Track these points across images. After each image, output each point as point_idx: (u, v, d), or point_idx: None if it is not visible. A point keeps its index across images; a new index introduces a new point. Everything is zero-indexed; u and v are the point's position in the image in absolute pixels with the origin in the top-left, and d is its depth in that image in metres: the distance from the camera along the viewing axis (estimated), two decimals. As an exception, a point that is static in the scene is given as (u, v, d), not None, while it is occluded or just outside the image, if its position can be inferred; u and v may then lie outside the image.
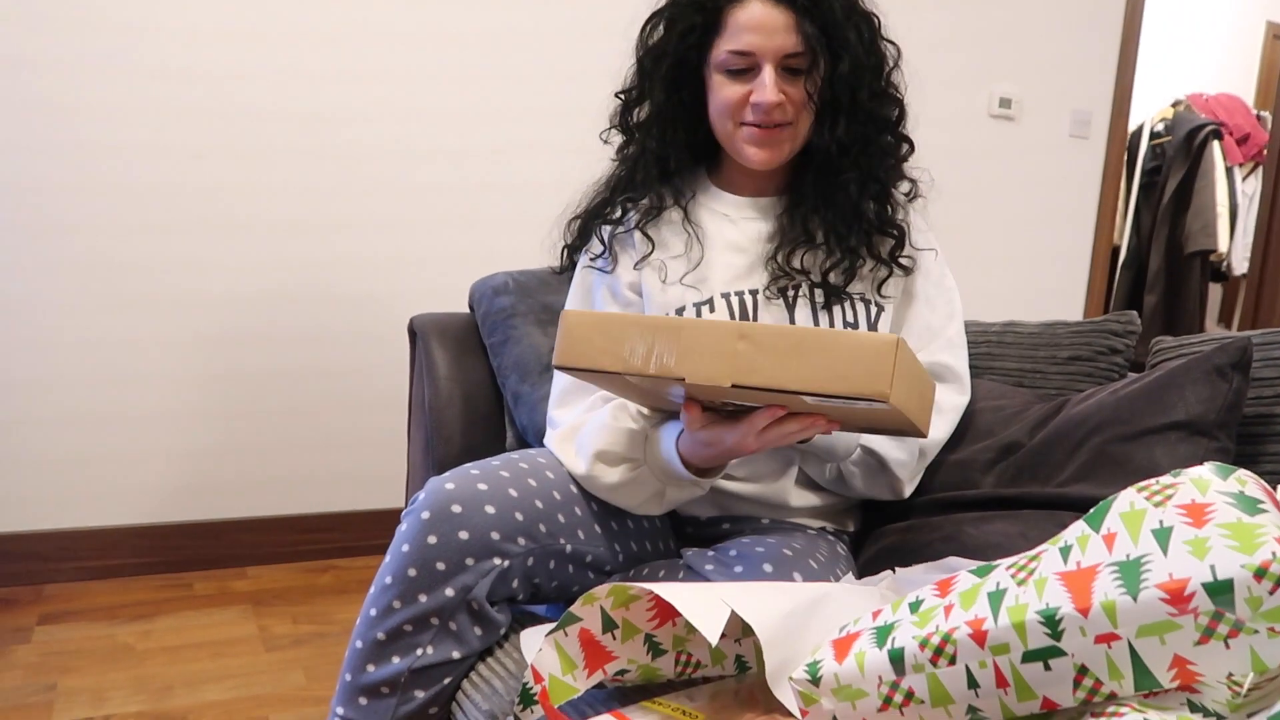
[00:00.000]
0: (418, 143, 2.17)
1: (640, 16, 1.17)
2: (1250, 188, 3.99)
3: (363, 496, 2.25)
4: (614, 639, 0.79)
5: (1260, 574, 0.47)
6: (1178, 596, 0.49)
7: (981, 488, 1.12)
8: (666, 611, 0.79)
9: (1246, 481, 0.54)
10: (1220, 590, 0.48)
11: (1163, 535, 0.52)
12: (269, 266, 2.09)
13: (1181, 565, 0.49)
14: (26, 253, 1.91)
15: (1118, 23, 2.93)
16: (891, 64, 1.14)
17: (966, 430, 1.18)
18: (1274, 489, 0.56)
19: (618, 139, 1.23)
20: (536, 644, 0.86)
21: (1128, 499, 0.56)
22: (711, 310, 1.10)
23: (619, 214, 1.19)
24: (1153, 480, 0.56)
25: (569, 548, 0.98)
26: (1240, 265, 3.86)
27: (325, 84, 2.08)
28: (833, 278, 1.11)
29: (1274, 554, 0.47)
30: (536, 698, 0.76)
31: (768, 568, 0.91)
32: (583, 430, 1.05)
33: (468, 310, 1.44)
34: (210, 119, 2.00)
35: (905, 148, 1.16)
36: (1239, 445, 0.99)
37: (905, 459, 1.08)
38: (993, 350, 1.34)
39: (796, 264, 1.11)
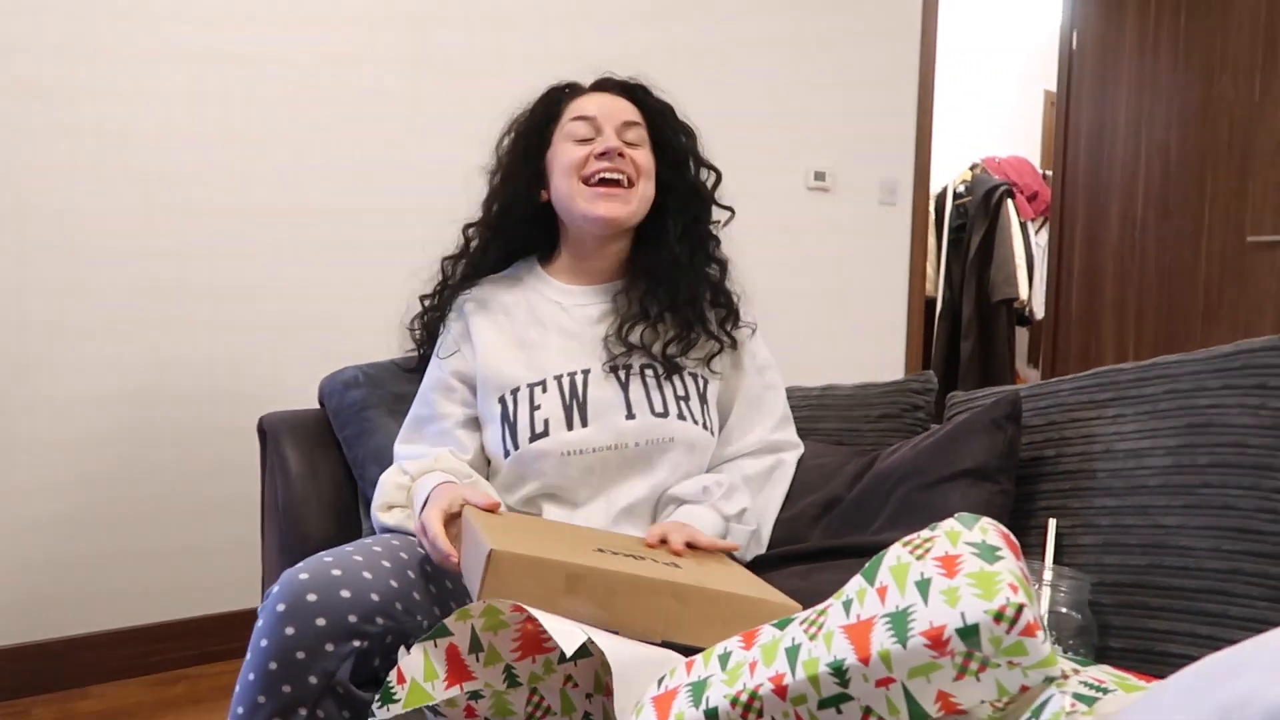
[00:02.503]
0: (256, 240, 2.16)
1: (499, 111, 1.31)
2: (1043, 240, 4.43)
3: (215, 600, 2.17)
4: (477, 660, 0.84)
5: (998, 617, 0.58)
6: (937, 641, 0.59)
7: (810, 540, 1.23)
8: (529, 646, 0.85)
9: (988, 530, 0.66)
10: (969, 634, 0.58)
11: (924, 586, 0.62)
12: (103, 369, 2.02)
13: (939, 614, 0.59)
14: None
15: (913, 98, 3.24)
16: (709, 170, 1.31)
17: (795, 489, 1.29)
18: (1011, 532, 0.68)
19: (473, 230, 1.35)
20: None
21: (895, 554, 0.66)
22: (544, 391, 1.19)
23: (458, 303, 1.29)
24: (914, 535, 0.67)
25: (426, 624, 1.01)
26: (1040, 310, 4.27)
27: (163, 180, 2.05)
28: (671, 349, 1.22)
29: (1008, 600, 0.58)
30: (395, 697, 0.80)
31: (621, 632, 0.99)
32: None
33: (317, 406, 1.46)
34: (45, 220, 1.94)
35: (716, 244, 1.31)
36: (1018, 486, 1.14)
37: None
38: (814, 412, 1.47)
39: (635, 340, 1.21)
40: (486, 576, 0.83)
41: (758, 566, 1.23)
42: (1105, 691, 0.74)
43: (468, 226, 1.34)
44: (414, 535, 1.10)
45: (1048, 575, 1.00)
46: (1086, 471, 1.10)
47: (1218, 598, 0.96)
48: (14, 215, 1.92)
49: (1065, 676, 0.78)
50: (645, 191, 1.24)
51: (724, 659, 0.70)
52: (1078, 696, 0.73)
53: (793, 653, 0.65)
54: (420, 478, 1.16)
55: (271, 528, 1.38)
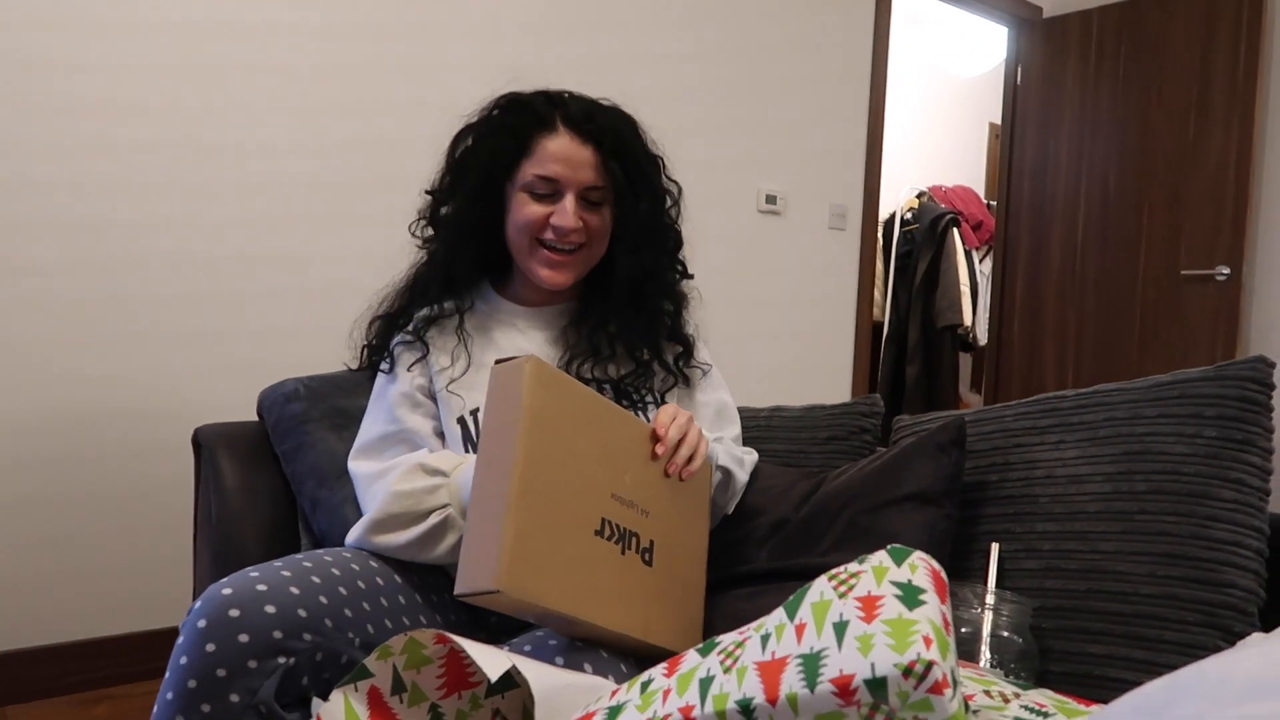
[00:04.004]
0: (200, 248, 2.11)
1: (442, 125, 1.26)
2: (987, 267, 4.53)
3: (141, 618, 2.10)
4: (400, 701, 0.82)
5: (907, 672, 0.57)
6: (844, 690, 0.58)
7: (757, 562, 1.22)
8: (455, 682, 0.83)
9: (917, 567, 0.66)
10: (877, 686, 0.58)
11: (840, 629, 0.62)
12: (27, 387, 1.95)
13: (850, 661, 0.59)
14: None
15: (864, 124, 3.30)
16: (673, 200, 1.28)
17: (741, 510, 1.29)
18: (949, 560, 0.68)
19: (425, 234, 1.30)
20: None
21: (819, 588, 0.66)
22: None
23: (411, 323, 1.25)
24: (842, 569, 0.67)
25: (358, 641, 0.98)
26: (984, 336, 4.36)
27: (93, 196, 1.99)
28: (628, 381, 1.21)
29: (919, 655, 0.58)
30: None
31: (559, 660, 0.97)
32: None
33: (255, 420, 1.42)
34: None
35: (682, 270, 1.30)
36: (962, 510, 1.15)
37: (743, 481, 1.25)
38: (762, 434, 1.47)
39: (587, 375, 1.20)
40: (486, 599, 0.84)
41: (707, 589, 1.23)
42: (1046, 715, 0.75)
43: (424, 240, 1.30)
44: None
45: (990, 599, 1.01)
46: (1029, 496, 1.11)
47: (1153, 623, 0.97)
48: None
49: (1006, 700, 0.78)
50: (594, 252, 1.24)
51: (645, 684, 0.69)
52: (1019, 720, 0.74)
53: (705, 684, 0.64)
54: (457, 469, 1.11)
55: (205, 544, 1.34)
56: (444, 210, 1.26)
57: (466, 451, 1.18)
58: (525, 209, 1.19)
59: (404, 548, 1.09)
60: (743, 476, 1.26)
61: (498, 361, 0.93)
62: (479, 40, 2.44)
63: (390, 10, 2.31)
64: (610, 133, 1.21)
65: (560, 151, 1.19)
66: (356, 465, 1.21)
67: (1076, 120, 3.67)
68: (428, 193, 1.27)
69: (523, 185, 1.20)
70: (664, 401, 1.24)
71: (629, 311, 1.23)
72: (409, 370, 1.23)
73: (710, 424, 1.29)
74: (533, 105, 1.22)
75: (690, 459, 1.06)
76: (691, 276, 1.33)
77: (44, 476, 1.98)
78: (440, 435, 1.22)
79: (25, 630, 1.98)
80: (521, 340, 1.24)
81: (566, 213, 1.18)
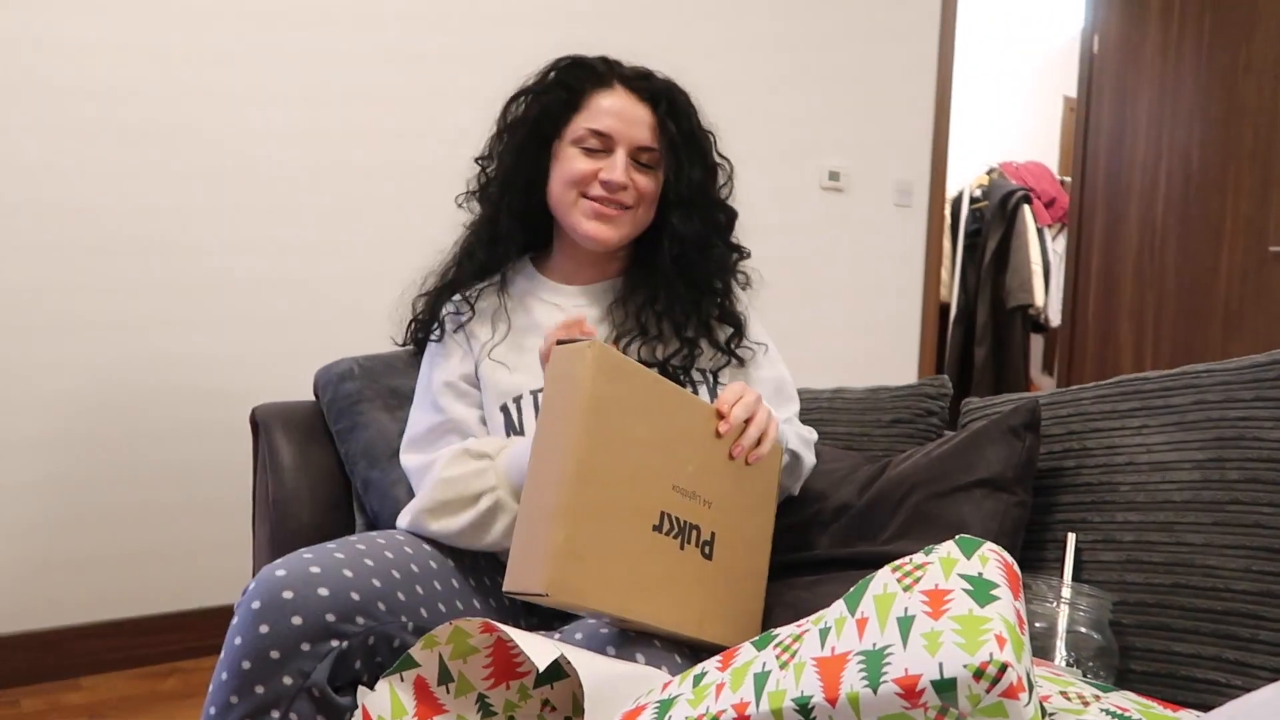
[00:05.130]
0: (254, 233, 2.13)
1: (495, 113, 1.23)
2: (1060, 246, 4.37)
3: (210, 594, 2.14)
4: (447, 692, 0.80)
5: (979, 674, 0.53)
6: (910, 692, 0.54)
7: (818, 549, 1.18)
8: (502, 672, 0.81)
9: (989, 560, 0.61)
10: (946, 688, 0.54)
11: (905, 624, 0.57)
12: (97, 367, 1.99)
13: (916, 661, 0.55)
14: None
15: (930, 98, 3.19)
16: (726, 176, 1.23)
17: (801, 494, 1.25)
18: (1022, 553, 0.63)
19: (472, 206, 1.27)
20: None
21: (882, 580, 0.61)
22: None
23: (459, 302, 1.22)
24: (907, 559, 0.62)
25: (411, 625, 0.97)
26: (1056, 317, 4.21)
27: (161, 179, 2.02)
28: (675, 362, 1.16)
29: (991, 655, 0.53)
30: None
31: (611, 650, 0.94)
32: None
33: (312, 399, 1.42)
34: (36, 217, 1.91)
35: (737, 255, 1.25)
36: (1035, 498, 1.09)
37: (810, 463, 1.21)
38: (824, 415, 1.42)
39: (632, 356, 1.16)
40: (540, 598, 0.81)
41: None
42: (1129, 721, 0.70)
43: (479, 201, 1.26)
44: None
45: (1066, 593, 0.95)
46: (1108, 484, 1.05)
47: (1247, 621, 0.91)
48: (13, 213, 1.89)
49: (1085, 702, 0.73)
50: (642, 216, 1.19)
51: (698, 678, 0.66)
52: (1099, 726, 0.69)
53: (761, 680, 0.60)
54: (503, 451, 1.08)
55: (262, 522, 1.34)
56: (490, 170, 1.23)
57: (510, 438, 1.15)
58: (574, 163, 1.16)
59: (457, 535, 1.07)
60: (811, 459, 1.21)
61: (559, 343, 0.89)
62: (530, 28, 2.41)
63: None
64: (666, 96, 1.18)
65: (614, 107, 1.16)
66: (407, 459, 1.19)
67: (1156, 90, 3.50)
68: (476, 160, 1.25)
69: (573, 139, 1.16)
70: (716, 381, 1.19)
71: (678, 285, 1.18)
72: (450, 359, 1.21)
73: (768, 401, 1.24)
74: (588, 62, 1.19)
75: (759, 442, 1.01)
76: (747, 255, 1.27)
77: (115, 456, 2.02)
78: (485, 423, 1.20)
79: (99, 605, 2.04)
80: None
81: (617, 167, 1.14)
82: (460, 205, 1.27)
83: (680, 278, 1.18)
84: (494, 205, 1.22)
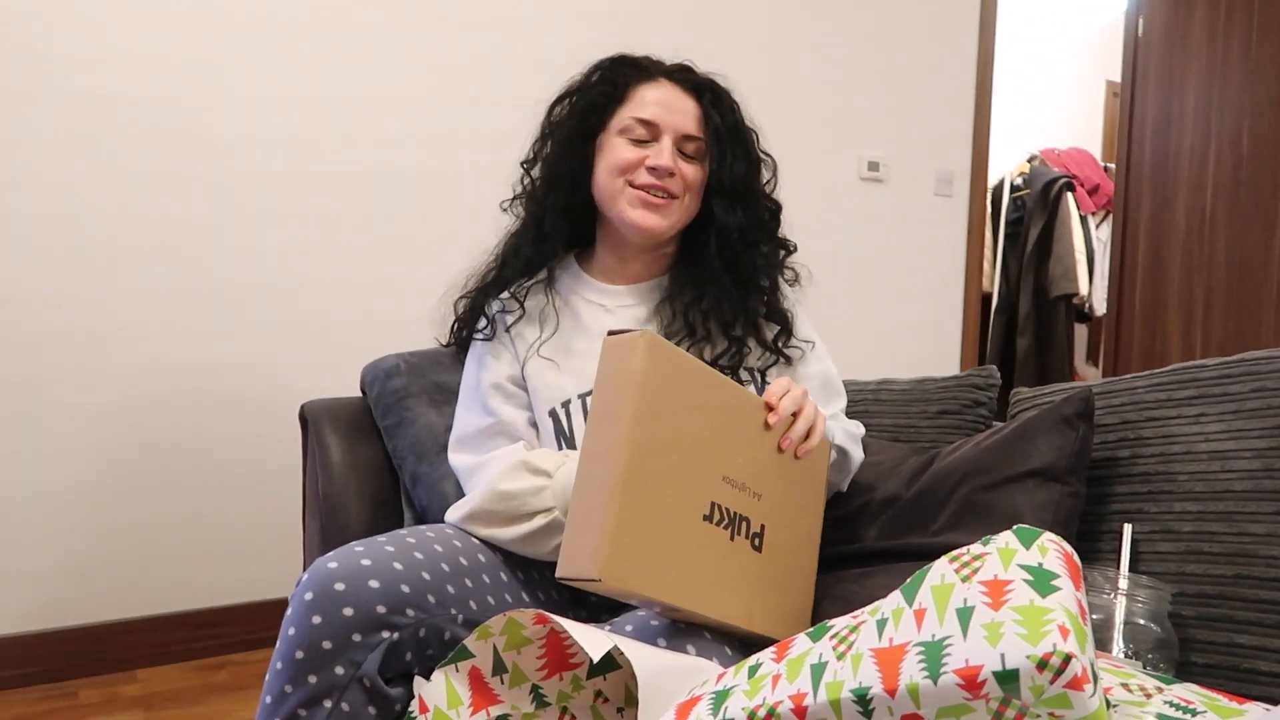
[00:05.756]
0: (291, 242, 2.15)
1: (535, 99, 1.24)
2: (1104, 234, 4.29)
3: (260, 588, 2.18)
4: (502, 683, 0.81)
5: (1042, 665, 0.52)
6: (971, 683, 0.54)
7: (866, 541, 1.17)
8: (556, 663, 0.81)
9: (1048, 550, 0.60)
10: (1008, 679, 0.53)
11: (965, 615, 0.57)
12: (148, 373, 2.03)
13: (977, 651, 0.54)
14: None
15: (971, 87, 3.14)
16: (770, 172, 1.23)
17: (850, 487, 1.24)
18: (1078, 545, 0.62)
19: (517, 210, 1.28)
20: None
21: (940, 571, 0.61)
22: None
23: (507, 300, 1.23)
24: (964, 550, 0.61)
25: (461, 617, 0.98)
26: (1101, 306, 4.13)
27: (208, 182, 2.05)
28: (721, 362, 1.16)
29: (1054, 646, 0.52)
30: None
31: (662, 641, 0.94)
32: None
33: (359, 394, 1.44)
34: (84, 226, 1.95)
35: (784, 251, 1.24)
36: (1089, 488, 1.07)
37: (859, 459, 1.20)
38: (869, 408, 1.41)
39: None
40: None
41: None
42: (1195, 714, 0.68)
43: (518, 203, 1.27)
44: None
45: (1123, 584, 0.94)
46: (1165, 474, 1.03)
47: (1313, 613, 0.89)
48: (18, 221, 1.93)
49: (1148, 694, 0.72)
50: (689, 206, 1.19)
51: (753, 669, 0.66)
52: (1162, 718, 0.67)
53: (818, 671, 0.60)
54: (560, 469, 1.08)
55: (312, 517, 1.36)
56: (534, 173, 1.24)
57: (560, 446, 1.15)
58: (620, 152, 1.16)
59: (505, 543, 1.08)
60: (859, 455, 1.20)
61: (611, 333, 0.89)
62: (571, 31, 2.41)
63: (481, 2, 2.31)
64: (710, 88, 1.19)
65: (660, 97, 1.17)
66: (457, 459, 1.19)
67: (1204, 71, 3.42)
68: (521, 164, 1.25)
69: (619, 130, 1.17)
70: (764, 380, 1.19)
71: (724, 282, 1.17)
72: (497, 360, 1.21)
73: (815, 397, 1.23)
74: (632, 58, 1.21)
75: (807, 436, 1.01)
76: (794, 250, 1.26)
77: (169, 460, 2.06)
78: (534, 425, 1.20)
79: (154, 599, 2.08)
80: (610, 321, 1.20)
81: (664, 153, 1.14)
82: (504, 209, 1.28)
83: (727, 274, 1.18)
84: (539, 204, 1.22)
